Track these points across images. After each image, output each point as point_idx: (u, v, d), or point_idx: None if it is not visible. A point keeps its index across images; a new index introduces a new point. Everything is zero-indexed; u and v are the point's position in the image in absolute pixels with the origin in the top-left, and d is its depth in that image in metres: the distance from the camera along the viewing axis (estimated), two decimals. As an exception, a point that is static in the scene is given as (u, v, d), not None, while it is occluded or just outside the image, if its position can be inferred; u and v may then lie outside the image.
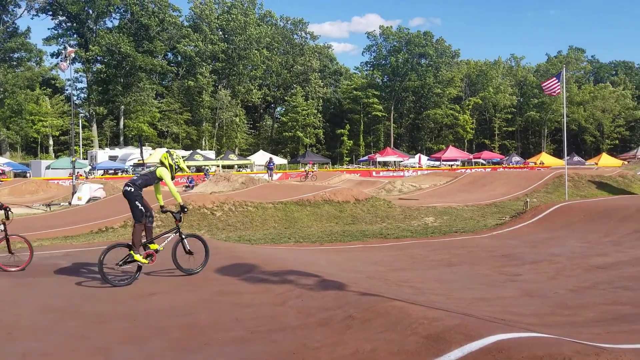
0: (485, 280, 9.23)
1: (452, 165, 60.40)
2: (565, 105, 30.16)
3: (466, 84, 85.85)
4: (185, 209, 8.66)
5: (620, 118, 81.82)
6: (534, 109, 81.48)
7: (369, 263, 11.16)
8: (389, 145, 73.34)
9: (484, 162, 65.01)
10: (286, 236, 16.07)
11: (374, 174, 52.07)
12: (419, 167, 57.42)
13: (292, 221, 19.02)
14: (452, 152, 65.39)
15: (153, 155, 49.80)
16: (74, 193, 27.63)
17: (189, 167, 47.39)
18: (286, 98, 78.24)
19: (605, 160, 62.79)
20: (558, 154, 72.68)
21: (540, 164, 60.90)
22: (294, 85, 77.82)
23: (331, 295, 6.71)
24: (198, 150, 56.84)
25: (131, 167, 49.17)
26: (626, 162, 57.09)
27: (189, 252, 8.62)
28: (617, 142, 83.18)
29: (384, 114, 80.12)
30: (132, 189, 8.10)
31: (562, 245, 12.44)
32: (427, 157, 65.34)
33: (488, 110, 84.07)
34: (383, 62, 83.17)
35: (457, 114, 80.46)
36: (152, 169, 8.59)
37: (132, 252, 8.07)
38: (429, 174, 44.73)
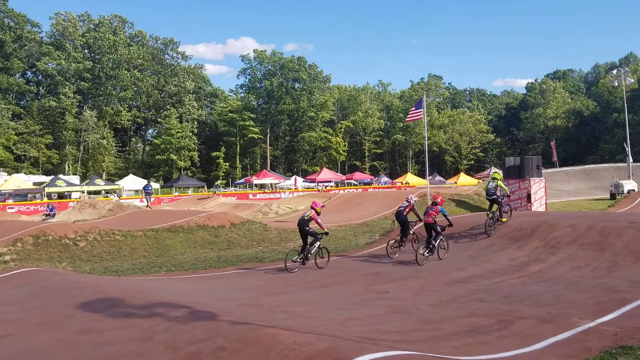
0: (355, 300, 9.53)
1: (326, 186, 62.02)
2: (426, 129, 32.32)
3: (338, 107, 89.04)
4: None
5: (475, 140, 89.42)
6: (400, 132, 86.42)
7: (243, 289, 11.03)
8: (265, 168, 73.61)
9: (356, 182, 67.52)
10: (157, 265, 15.40)
11: (250, 196, 51.88)
12: (295, 188, 58.21)
13: (163, 249, 18.29)
14: (326, 173, 67.21)
15: (8, 181, 45.53)
16: None
17: (49, 194, 43.92)
18: (159, 119, 75.68)
19: (463, 179, 68.13)
20: (422, 174, 77.62)
21: (405, 183, 64.52)
22: (167, 107, 75.55)
23: (201, 326, 6.51)
24: (60, 176, 52.77)
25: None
26: (481, 181, 62.32)
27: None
28: (473, 162, 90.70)
29: (260, 136, 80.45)
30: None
31: (425, 261, 13.20)
32: (302, 179, 66.43)
33: (359, 133, 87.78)
34: (258, 85, 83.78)
35: (330, 137, 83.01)
36: None
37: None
38: (304, 196, 45.49)
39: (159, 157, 72.46)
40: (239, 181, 68.93)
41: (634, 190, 33.34)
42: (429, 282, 10.93)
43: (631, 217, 15.78)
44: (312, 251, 13.28)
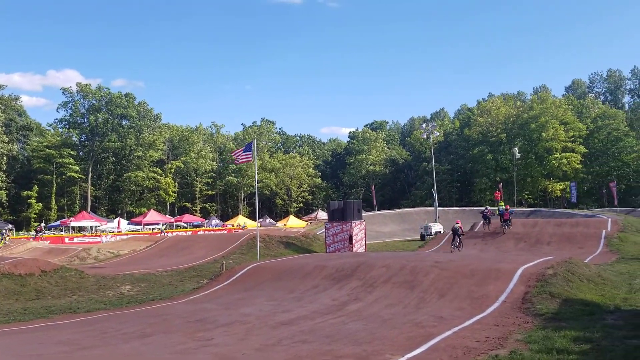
0: (178, 349, 9.16)
1: (153, 229, 59.40)
2: (257, 172, 32.91)
3: (169, 147, 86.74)
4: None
5: (305, 184, 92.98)
6: (233, 174, 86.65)
7: (52, 344, 10.00)
8: (85, 209, 68.36)
9: (186, 225, 65.71)
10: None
11: (66, 240, 47.56)
12: (119, 231, 54.76)
13: (-46, 302, 15.90)
14: (153, 215, 64.33)
15: None
16: None
17: None
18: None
19: (293, 222, 70.03)
20: (253, 216, 78.21)
21: (237, 226, 64.42)
22: (-31, 140, 66.97)
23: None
24: None
25: None
26: (309, 223, 64.63)
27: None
28: (302, 205, 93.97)
29: (80, 175, 74.83)
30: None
31: (252, 305, 13.23)
32: (127, 221, 62.85)
33: (190, 174, 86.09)
34: (80, 120, 78.35)
35: (159, 177, 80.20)
36: None
37: None
38: (128, 239, 43.01)
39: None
40: (53, 223, 62.93)
41: (439, 232, 37.13)
42: (255, 325, 10.93)
43: (436, 256, 17.55)
44: None
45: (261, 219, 68.26)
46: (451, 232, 26.19)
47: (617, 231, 29.08)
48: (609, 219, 33.59)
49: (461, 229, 25.57)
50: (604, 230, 28.99)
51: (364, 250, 27.10)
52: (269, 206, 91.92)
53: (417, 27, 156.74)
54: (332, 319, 11.20)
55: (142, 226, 59.54)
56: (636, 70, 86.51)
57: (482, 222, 32.84)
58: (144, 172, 79.00)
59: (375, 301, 12.71)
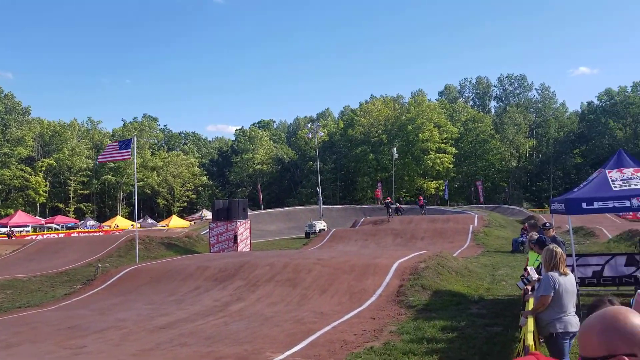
0: (47, 359, 8.61)
1: (21, 231, 54.78)
2: (136, 170, 31.52)
3: (39, 144, 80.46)
4: None
5: (189, 183, 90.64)
6: (111, 173, 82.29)
7: None
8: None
9: (58, 227, 61.39)
10: None
11: None
12: (-20, 235, 49.90)
13: None
14: (21, 217, 59.35)
15: None
16: None
17: None
18: None
19: (175, 222, 68.05)
20: (133, 216, 74.93)
21: (115, 227, 61.33)
22: None
23: None
24: None
25: None
26: (193, 223, 63.19)
27: None
28: (185, 204, 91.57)
29: None
30: None
31: (130, 310, 12.71)
32: (-10, 223, 57.48)
33: (63, 173, 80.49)
34: None
35: (28, 176, 74.14)
36: None
37: None
38: (-9, 243, 39.32)
39: None
40: None
41: (323, 229, 37.99)
42: (131, 331, 10.52)
43: (319, 254, 17.99)
44: None
45: (141, 220, 65.73)
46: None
47: (483, 226, 31.57)
48: (476, 215, 36.39)
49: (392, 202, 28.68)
50: (471, 226, 31.32)
51: (249, 250, 27.02)
52: (150, 206, 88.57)
53: (305, 32, 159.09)
54: (213, 320, 11.09)
55: (8, 228, 54.74)
56: (502, 78, 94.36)
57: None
58: (11, 170, 72.66)
59: (258, 300, 12.77)
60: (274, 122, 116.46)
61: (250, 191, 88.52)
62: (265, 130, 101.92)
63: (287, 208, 62.37)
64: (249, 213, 32.23)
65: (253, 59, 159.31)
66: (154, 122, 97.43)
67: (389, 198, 45.43)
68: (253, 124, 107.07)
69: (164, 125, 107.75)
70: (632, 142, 73.36)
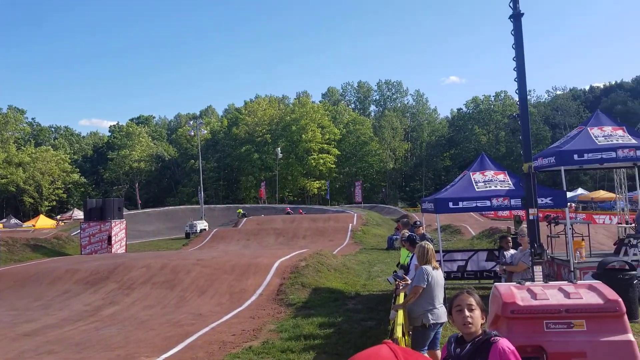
0: None
1: None
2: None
3: None
4: None
5: (59, 181, 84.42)
6: (-31, 168, 74.56)
7: None
8: None
9: None
10: None
11: None
12: None
13: None
14: None
15: None
16: None
17: None
18: None
19: (43, 222, 63.06)
20: (-4, 217, 68.55)
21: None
22: None
23: None
24: None
25: None
26: (62, 223, 59.04)
27: None
28: (55, 203, 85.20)
29: None
30: None
31: (-13, 318, 11.65)
32: None
33: None
34: None
35: None
36: None
37: None
38: None
39: None
40: None
41: (205, 229, 37.35)
42: (-11, 340, 9.66)
43: (199, 254, 17.67)
44: None
45: (4, 220, 60.37)
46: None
47: (361, 225, 32.83)
48: (355, 214, 37.76)
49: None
50: (350, 224, 32.45)
51: (124, 251, 25.85)
52: (15, 205, 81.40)
53: (188, 26, 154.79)
54: (83, 326, 10.50)
55: None
56: (380, 83, 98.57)
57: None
58: None
59: (132, 304, 12.29)
60: (154, 117, 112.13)
61: (127, 190, 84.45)
62: (144, 127, 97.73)
63: (166, 207, 60.43)
64: (125, 213, 30.84)
65: (129, 48, 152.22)
66: (21, 114, 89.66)
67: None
68: (131, 120, 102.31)
69: (32, 118, 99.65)
70: (494, 146, 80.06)
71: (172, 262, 14.84)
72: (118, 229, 26.24)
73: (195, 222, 39.76)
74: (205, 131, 62.58)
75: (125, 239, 27.21)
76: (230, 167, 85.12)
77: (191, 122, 56.25)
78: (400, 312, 6.21)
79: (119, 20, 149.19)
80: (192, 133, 55.70)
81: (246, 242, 28.82)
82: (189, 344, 8.57)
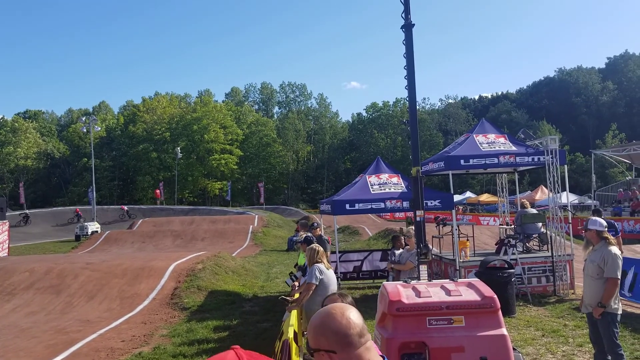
0: None
1: None
2: None
3: None
4: None
5: None
6: None
7: None
8: None
9: None
10: None
11: None
12: None
13: None
14: None
15: None
16: None
17: None
18: None
19: None
20: None
21: None
22: None
23: None
24: None
25: None
26: None
27: None
28: None
29: None
30: None
31: None
32: None
33: None
34: None
35: None
36: None
37: None
38: None
39: None
40: None
41: (97, 231, 35.50)
42: None
43: (89, 257, 16.79)
44: None
45: None
46: None
47: (262, 226, 32.77)
48: (256, 216, 37.62)
49: None
50: (251, 226, 32.28)
51: (6, 255, 23.97)
52: None
53: (74, 15, 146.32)
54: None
55: None
56: (284, 85, 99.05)
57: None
58: None
59: (13, 310, 11.45)
60: (43, 112, 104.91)
61: (11, 189, 78.30)
62: (32, 122, 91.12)
63: (55, 208, 56.83)
64: (7, 214, 28.63)
65: (13, 37, 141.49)
66: None
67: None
68: (17, 114, 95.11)
69: None
70: (392, 151, 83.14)
71: (59, 265, 13.98)
72: (0, 231, 24.31)
73: (86, 223, 37.69)
74: (99, 128, 59.32)
75: (7, 242, 25.26)
76: (127, 166, 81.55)
77: (84, 119, 53.19)
78: (294, 313, 6.29)
79: (1, 5, 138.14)
80: (85, 130, 52.77)
81: (141, 245, 27.76)
82: (74, 352, 8.14)
